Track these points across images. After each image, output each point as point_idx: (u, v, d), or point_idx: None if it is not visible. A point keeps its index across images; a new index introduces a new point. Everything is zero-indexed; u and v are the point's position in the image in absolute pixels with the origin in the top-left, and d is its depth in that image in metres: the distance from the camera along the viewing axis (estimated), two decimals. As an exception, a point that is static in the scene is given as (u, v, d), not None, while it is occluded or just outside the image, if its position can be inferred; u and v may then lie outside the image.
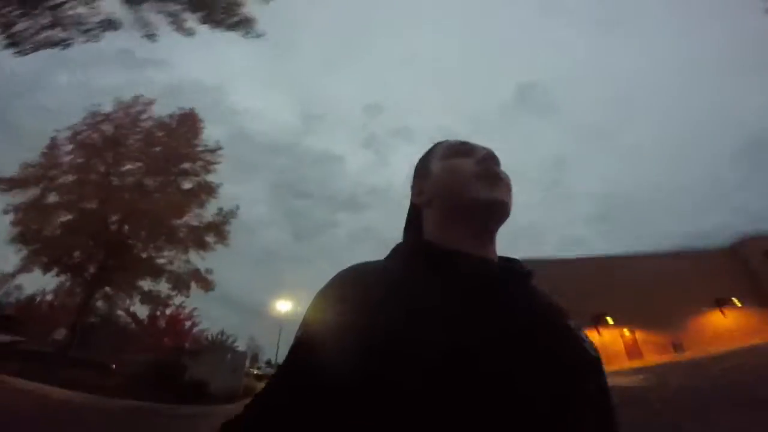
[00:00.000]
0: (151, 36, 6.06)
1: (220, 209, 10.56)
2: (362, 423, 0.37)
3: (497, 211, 0.53)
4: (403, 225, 0.66)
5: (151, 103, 11.91)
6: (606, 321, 17.42)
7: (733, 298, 18.39)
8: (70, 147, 10.58)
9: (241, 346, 31.26)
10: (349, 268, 0.50)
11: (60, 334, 15.12)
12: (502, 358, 0.40)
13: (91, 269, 10.78)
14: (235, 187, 11.79)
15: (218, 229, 10.44)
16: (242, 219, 12.89)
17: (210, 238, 10.37)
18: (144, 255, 11.09)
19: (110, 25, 6.15)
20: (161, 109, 11.80)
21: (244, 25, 6.10)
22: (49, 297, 17.99)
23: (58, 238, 10.24)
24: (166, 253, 11.05)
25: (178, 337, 19.86)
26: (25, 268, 10.51)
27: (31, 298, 22.72)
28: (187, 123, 12.22)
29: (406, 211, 0.66)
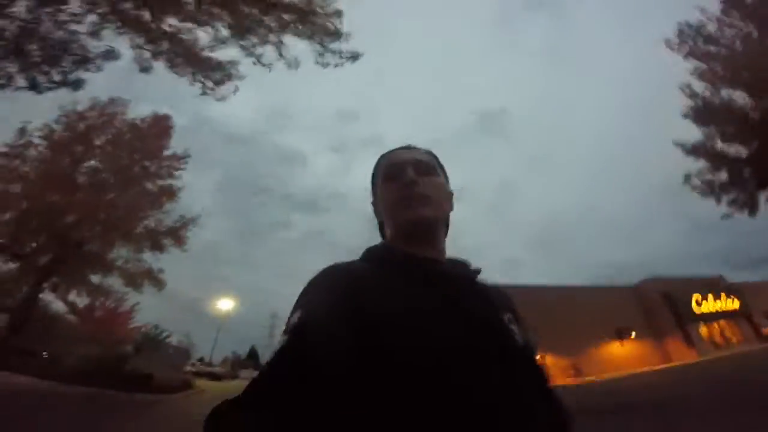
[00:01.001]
0: None
1: (182, 216, 11.56)
2: (357, 399, 0.44)
3: (419, 226, 0.65)
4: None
5: (125, 105, 12.81)
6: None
7: (632, 331, 22.05)
8: (38, 140, 11.29)
9: (174, 341, 31.25)
10: (333, 265, 0.60)
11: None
12: (446, 342, 0.50)
13: (43, 259, 11.50)
14: (185, 173, 12.35)
15: (177, 234, 11.42)
16: (187, 208, 13.58)
17: (167, 242, 11.38)
18: (97, 250, 11.89)
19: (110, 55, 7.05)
20: (141, 110, 12.48)
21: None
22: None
23: (11, 225, 10.92)
24: (119, 251, 11.90)
25: (115, 329, 20.06)
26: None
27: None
28: (158, 126, 13.21)
29: (365, 219, 0.78)
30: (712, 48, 9.33)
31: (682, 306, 22.78)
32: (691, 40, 9.70)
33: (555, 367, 20.36)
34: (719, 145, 9.11)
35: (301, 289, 0.56)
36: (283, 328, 0.54)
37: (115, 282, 12.42)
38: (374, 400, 0.44)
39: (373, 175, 0.78)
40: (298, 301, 0.56)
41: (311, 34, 6.18)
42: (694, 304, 23.07)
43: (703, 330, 22.91)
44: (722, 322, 23.55)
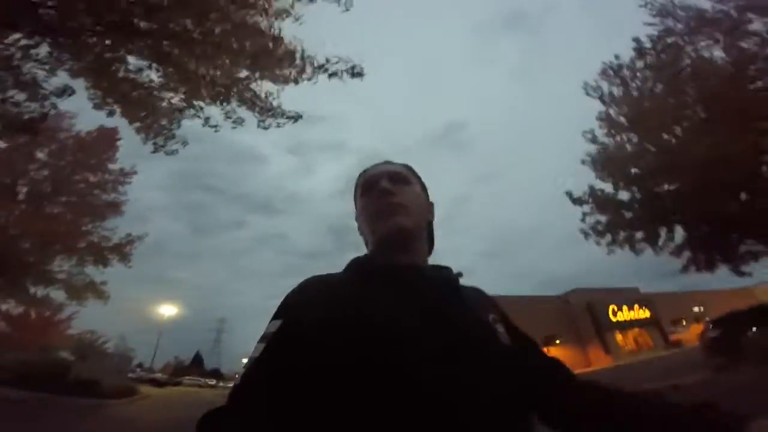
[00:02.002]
0: None
1: (129, 234, 12.25)
2: (334, 405, 0.47)
3: (398, 234, 0.69)
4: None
5: (71, 117, 13.32)
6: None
7: (557, 339, 25.02)
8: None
9: (111, 346, 30.91)
10: (312, 277, 0.66)
11: None
12: (431, 346, 0.53)
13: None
14: (130, 162, 12.60)
15: (122, 251, 12.10)
16: (135, 203, 14.33)
17: (112, 257, 12.14)
18: (37, 262, 12.36)
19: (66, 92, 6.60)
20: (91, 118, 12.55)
21: None
22: None
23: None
24: (60, 264, 12.47)
25: (50, 335, 20.06)
26: None
27: None
28: (105, 139, 13.81)
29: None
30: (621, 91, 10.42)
31: (600, 315, 26.11)
32: (607, 81, 10.79)
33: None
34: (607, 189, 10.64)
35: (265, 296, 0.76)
36: (261, 335, 0.57)
37: (57, 294, 12.94)
38: (351, 406, 0.47)
39: (354, 195, 0.82)
40: (277, 310, 0.60)
41: (248, 106, 6.54)
42: (610, 313, 26.49)
43: (619, 338, 26.42)
44: (635, 330, 27.20)
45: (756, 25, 9.09)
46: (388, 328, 0.54)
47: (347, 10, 6.11)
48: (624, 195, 10.24)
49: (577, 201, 10.34)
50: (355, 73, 6.50)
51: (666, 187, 9.61)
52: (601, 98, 10.76)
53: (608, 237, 10.09)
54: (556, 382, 0.66)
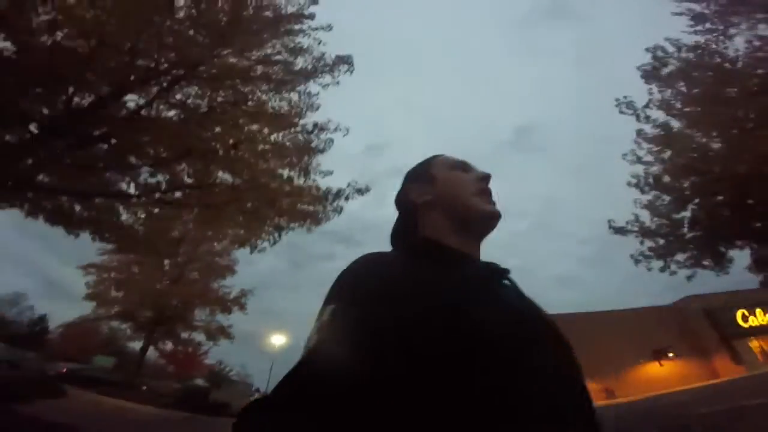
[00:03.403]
0: None
1: (243, 289, 16.52)
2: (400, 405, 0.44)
3: (493, 222, 0.72)
4: (394, 227, 0.81)
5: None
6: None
7: (669, 351, 23.53)
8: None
9: (234, 373, 37.04)
10: (369, 258, 0.61)
11: (108, 361, 21.25)
12: (520, 342, 0.51)
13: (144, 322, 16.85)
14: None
15: (239, 302, 16.18)
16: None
17: (233, 306, 16.15)
18: (182, 315, 17.01)
19: None
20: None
21: None
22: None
23: (127, 299, 16.25)
24: (199, 314, 17.09)
25: (192, 367, 25.63)
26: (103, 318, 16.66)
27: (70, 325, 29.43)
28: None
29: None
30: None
31: (725, 322, 23.83)
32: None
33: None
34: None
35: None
36: (315, 323, 0.54)
37: (197, 336, 17.56)
38: (417, 400, 0.44)
39: (424, 166, 0.82)
40: (330, 294, 0.56)
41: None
42: (739, 319, 23.98)
43: (754, 345, 23.72)
44: (775, 335, 24.13)
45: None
46: (470, 322, 0.50)
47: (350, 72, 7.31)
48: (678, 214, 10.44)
49: (620, 231, 10.73)
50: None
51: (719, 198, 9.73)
52: (636, 114, 11.03)
53: (660, 262, 10.34)
54: None
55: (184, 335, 18.10)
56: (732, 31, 9.96)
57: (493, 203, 0.74)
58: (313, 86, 7.33)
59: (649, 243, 10.39)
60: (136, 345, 20.86)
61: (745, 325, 23.96)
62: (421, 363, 0.46)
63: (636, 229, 10.55)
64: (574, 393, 0.54)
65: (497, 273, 0.65)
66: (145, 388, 19.05)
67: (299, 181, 6.89)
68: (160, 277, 15.73)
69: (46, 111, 5.98)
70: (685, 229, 10.01)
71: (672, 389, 20.75)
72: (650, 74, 11.19)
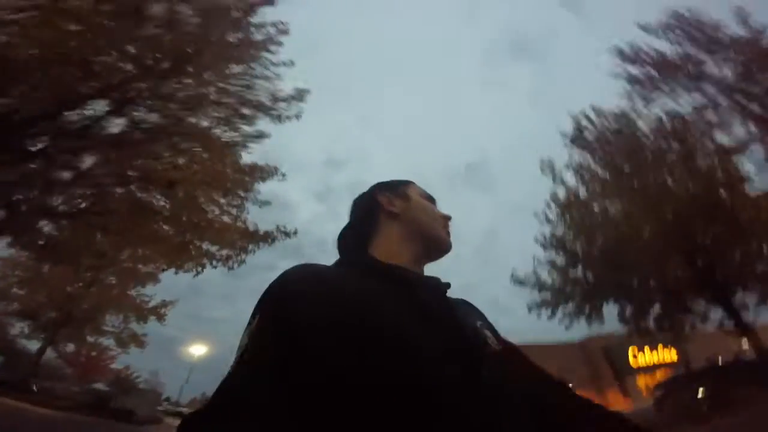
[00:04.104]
0: None
1: (164, 300, 15.93)
2: (325, 408, 0.47)
3: (445, 251, 0.85)
4: (347, 227, 0.87)
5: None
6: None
7: (570, 384, 26.16)
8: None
9: (142, 380, 35.11)
10: (306, 266, 0.63)
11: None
12: (432, 350, 0.55)
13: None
14: None
15: (158, 312, 15.60)
16: None
17: (150, 316, 15.73)
18: (91, 318, 16.37)
19: None
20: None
21: None
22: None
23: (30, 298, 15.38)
24: (110, 319, 16.63)
25: (95, 371, 24.21)
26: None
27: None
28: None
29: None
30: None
31: (618, 360, 27.11)
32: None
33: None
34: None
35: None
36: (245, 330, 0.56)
37: (106, 341, 16.97)
38: (342, 410, 0.47)
39: (399, 184, 0.91)
40: (260, 302, 0.58)
41: None
42: (630, 356, 27.39)
43: (641, 381, 27.17)
44: (660, 372, 27.79)
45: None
46: (389, 329, 0.54)
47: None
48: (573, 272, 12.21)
49: (519, 282, 12.42)
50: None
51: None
52: (553, 174, 12.77)
53: (548, 311, 12.12)
54: (546, 384, 0.75)
55: (91, 339, 17.28)
56: (654, 96, 11.67)
57: (449, 237, 0.86)
58: (264, 122, 7.90)
59: (540, 296, 12.26)
60: (30, 344, 19.64)
61: (634, 364, 27.37)
62: (331, 371, 0.49)
63: (533, 281, 12.34)
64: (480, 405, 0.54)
65: (438, 287, 0.74)
66: (35, 388, 17.91)
67: (230, 214, 7.46)
68: (72, 280, 15.01)
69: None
70: (568, 288, 11.96)
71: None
72: (572, 140, 13.11)
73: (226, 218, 7.38)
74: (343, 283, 0.60)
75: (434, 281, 0.75)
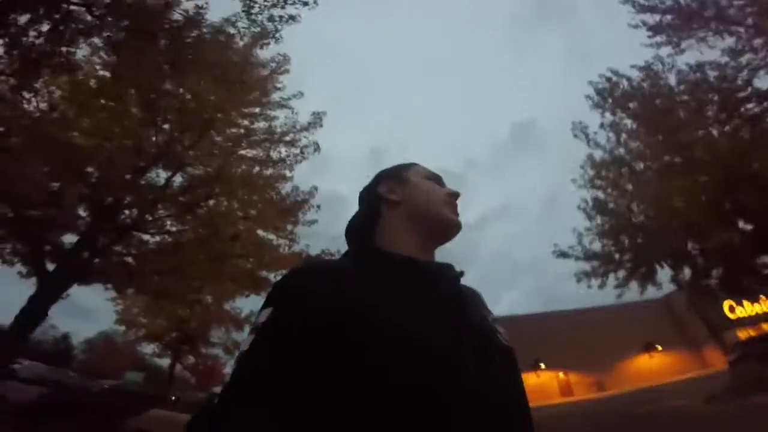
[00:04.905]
0: None
1: (252, 311, 18.96)
2: (331, 401, 0.49)
3: (453, 231, 0.81)
4: (352, 220, 0.88)
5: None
6: (540, 366, 24.84)
7: (657, 344, 25.42)
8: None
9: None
10: (313, 262, 0.66)
11: (138, 377, 24.37)
12: (441, 341, 0.57)
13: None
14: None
15: (251, 321, 18.83)
16: None
17: (245, 323, 18.83)
18: (202, 335, 19.88)
19: None
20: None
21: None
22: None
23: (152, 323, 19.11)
24: (216, 333, 20.07)
25: (214, 377, 28.77)
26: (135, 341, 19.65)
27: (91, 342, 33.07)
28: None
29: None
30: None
31: (713, 314, 25.49)
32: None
33: (579, 385, 24.63)
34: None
35: None
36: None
37: (217, 351, 20.76)
38: (350, 401, 0.49)
39: (399, 168, 0.90)
40: (268, 297, 0.60)
41: None
42: (727, 310, 25.67)
43: (743, 335, 25.34)
44: (765, 325, 25.71)
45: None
46: (388, 318, 0.55)
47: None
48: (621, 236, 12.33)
49: (562, 254, 12.78)
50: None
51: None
52: (587, 138, 12.67)
53: (598, 280, 12.37)
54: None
55: (204, 351, 21.20)
56: (684, 44, 11.47)
57: (457, 215, 0.82)
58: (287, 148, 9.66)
59: (587, 265, 12.54)
60: (161, 361, 24.18)
61: (733, 317, 25.62)
62: (336, 363, 0.51)
63: (577, 253, 12.66)
64: (483, 394, 0.55)
65: (449, 276, 0.71)
66: (174, 398, 21.97)
67: (286, 244, 9.40)
68: (180, 305, 18.57)
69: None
70: (617, 255, 12.09)
71: (661, 381, 22.68)
72: (598, 103, 13.17)
73: (282, 250, 9.28)
74: (346, 275, 0.61)
75: (444, 269, 0.74)
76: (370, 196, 0.88)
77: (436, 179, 0.89)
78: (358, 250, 0.79)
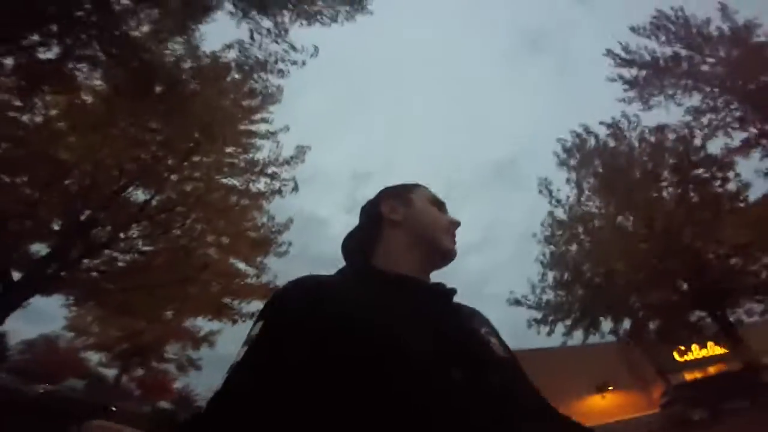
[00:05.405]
0: None
1: (211, 330, 18.24)
2: (319, 410, 0.50)
3: (449, 259, 0.85)
4: (351, 233, 0.90)
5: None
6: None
7: (610, 385, 26.47)
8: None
9: (201, 399, 39.27)
10: (309, 276, 0.67)
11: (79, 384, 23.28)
12: (426, 355, 0.58)
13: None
14: None
15: (209, 340, 18.13)
16: None
17: (203, 344, 18.40)
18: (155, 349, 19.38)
19: None
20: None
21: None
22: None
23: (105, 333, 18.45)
24: (172, 348, 19.67)
25: (161, 391, 27.76)
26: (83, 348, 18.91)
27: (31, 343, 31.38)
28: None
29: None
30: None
31: (663, 357, 26.89)
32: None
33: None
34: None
35: None
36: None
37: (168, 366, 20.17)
38: (336, 411, 0.50)
39: (405, 189, 0.92)
40: (261, 311, 0.63)
41: None
42: (675, 354, 27.10)
43: (689, 377, 26.76)
44: (711, 368, 27.23)
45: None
46: (385, 335, 0.57)
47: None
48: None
49: (516, 302, 13.72)
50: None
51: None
52: (550, 196, 13.84)
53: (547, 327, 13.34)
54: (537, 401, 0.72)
55: (156, 365, 20.76)
56: (653, 101, 12.53)
57: (455, 244, 0.85)
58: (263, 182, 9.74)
59: (538, 314, 13.59)
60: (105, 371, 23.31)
61: (681, 360, 27.05)
62: (328, 377, 0.52)
63: (530, 302, 13.71)
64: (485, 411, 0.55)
65: (439, 293, 0.76)
66: (114, 409, 21.08)
67: (255, 274, 9.54)
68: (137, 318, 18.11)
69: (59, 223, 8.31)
70: (566, 306, 12.99)
71: (610, 419, 23.63)
72: (563, 161, 14.12)
73: (250, 279, 9.41)
74: (328, 289, 0.63)
75: (437, 287, 0.78)
76: (371, 213, 0.90)
77: (440, 205, 0.92)
78: (351, 266, 0.83)
